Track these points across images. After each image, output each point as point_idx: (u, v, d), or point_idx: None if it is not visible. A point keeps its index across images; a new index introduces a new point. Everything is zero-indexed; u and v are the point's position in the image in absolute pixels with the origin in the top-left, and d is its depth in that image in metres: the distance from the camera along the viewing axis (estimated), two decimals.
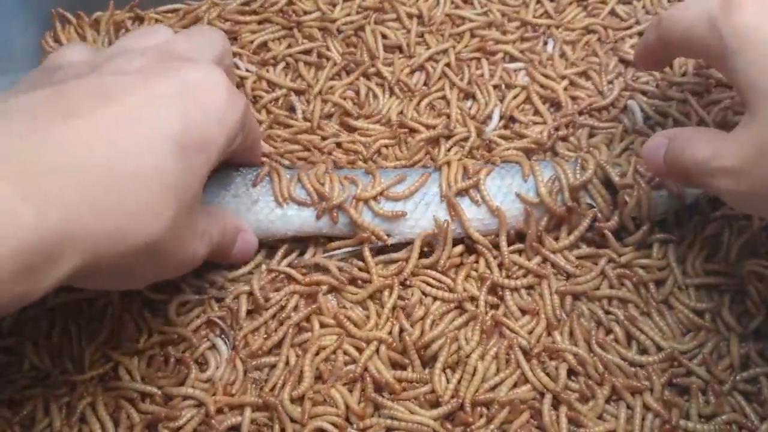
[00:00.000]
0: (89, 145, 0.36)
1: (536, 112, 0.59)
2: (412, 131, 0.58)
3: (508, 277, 0.51)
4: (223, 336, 0.50)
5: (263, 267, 0.52)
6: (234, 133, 0.44)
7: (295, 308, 0.50)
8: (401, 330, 0.49)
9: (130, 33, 0.48)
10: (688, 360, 0.48)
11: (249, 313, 0.50)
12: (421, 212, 0.52)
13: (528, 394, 0.46)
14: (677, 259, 0.51)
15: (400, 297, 0.50)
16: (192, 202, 0.41)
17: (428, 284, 0.51)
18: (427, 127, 0.58)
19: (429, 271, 0.51)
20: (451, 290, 0.50)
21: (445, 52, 0.62)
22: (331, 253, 0.52)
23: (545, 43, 0.64)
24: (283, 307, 0.50)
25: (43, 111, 0.37)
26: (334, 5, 0.65)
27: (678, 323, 0.49)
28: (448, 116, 0.58)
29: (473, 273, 0.51)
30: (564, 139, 0.57)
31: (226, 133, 0.43)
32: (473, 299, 0.50)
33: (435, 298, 0.50)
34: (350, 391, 0.46)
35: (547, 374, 0.47)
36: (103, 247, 0.36)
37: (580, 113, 0.59)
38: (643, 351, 0.48)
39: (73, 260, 0.34)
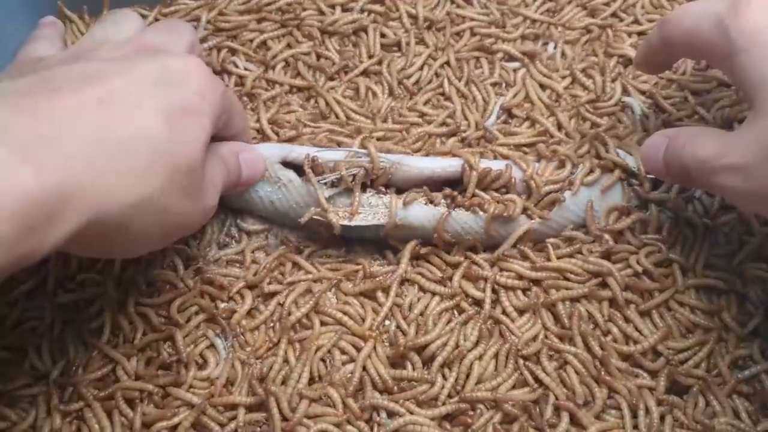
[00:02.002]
0: (78, 116, 0.38)
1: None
2: (412, 125, 0.58)
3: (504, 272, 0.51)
4: (221, 335, 0.50)
5: (262, 262, 0.52)
6: (218, 108, 0.45)
7: (296, 303, 0.50)
8: (397, 326, 0.49)
9: (102, 22, 0.50)
10: (687, 360, 0.48)
11: (249, 312, 0.50)
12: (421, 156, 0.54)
13: (527, 395, 0.46)
14: (680, 265, 0.51)
15: (397, 295, 0.51)
16: (190, 163, 0.42)
17: (426, 278, 0.51)
18: (423, 114, 0.58)
19: (427, 264, 0.52)
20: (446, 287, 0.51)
21: (443, 50, 0.62)
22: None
23: (545, 44, 0.64)
24: (281, 304, 0.50)
25: (31, 90, 0.39)
26: (334, 6, 0.65)
27: (677, 324, 0.49)
28: (451, 110, 0.59)
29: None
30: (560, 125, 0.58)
31: (210, 104, 0.44)
32: (467, 296, 0.50)
33: (434, 294, 0.50)
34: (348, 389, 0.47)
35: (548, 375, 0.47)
36: (102, 204, 0.37)
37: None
38: (643, 353, 0.48)
39: (74, 219, 0.35)
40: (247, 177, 0.51)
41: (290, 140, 0.56)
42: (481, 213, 0.51)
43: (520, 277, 0.51)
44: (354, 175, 0.51)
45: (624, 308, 0.49)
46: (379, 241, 0.53)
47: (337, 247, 0.54)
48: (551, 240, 0.52)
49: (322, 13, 0.64)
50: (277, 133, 0.57)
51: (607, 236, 0.51)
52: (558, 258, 0.51)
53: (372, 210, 0.51)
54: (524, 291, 0.51)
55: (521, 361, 0.47)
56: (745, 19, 0.42)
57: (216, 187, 0.46)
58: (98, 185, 0.36)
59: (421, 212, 0.51)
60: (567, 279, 0.50)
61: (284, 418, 0.45)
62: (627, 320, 0.49)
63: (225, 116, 0.47)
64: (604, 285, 0.50)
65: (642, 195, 0.52)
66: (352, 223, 0.51)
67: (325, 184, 0.51)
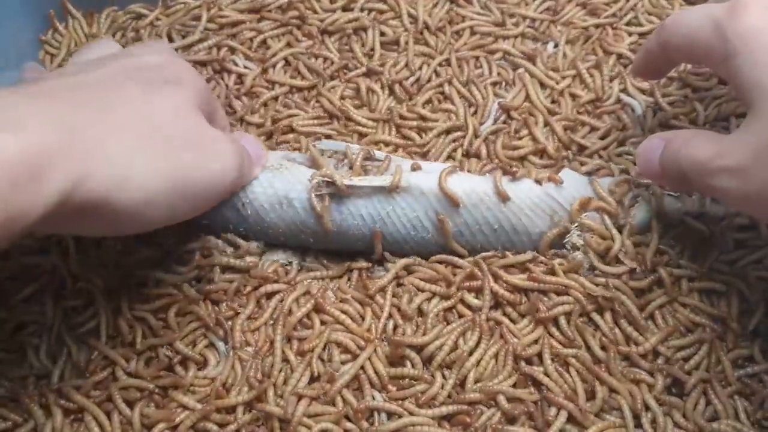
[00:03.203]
0: (55, 94, 0.40)
1: (532, 113, 0.59)
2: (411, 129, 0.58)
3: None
4: (222, 338, 0.50)
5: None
6: (200, 89, 0.47)
7: (297, 302, 0.50)
8: (395, 327, 0.49)
9: (81, 49, 0.53)
10: (687, 359, 0.48)
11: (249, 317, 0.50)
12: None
13: (528, 396, 0.46)
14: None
15: (394, 295, 0.51)
16: (176, 116, 0.44)
17: (423, 279, 0.51)
18: (424, 118, 0.58)
19: (425, 268, 0.52)
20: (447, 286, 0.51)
21: (443, 52, 0.62)
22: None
23: (545, 43, 0.64)
24: (281, 300, 0.51)
25: (9, 88, 0.41)
26: (335, 10, 0.65)
27: (677, 324, 0.49)
28: (453, 122, 0.58)
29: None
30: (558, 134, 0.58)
31: (190, 84, 0.46)
32: (463, 301, 0.50)
33: (433, 294, 0.50)
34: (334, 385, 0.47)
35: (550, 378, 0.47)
36: (89, 161, 0.38)
37: (579, 112, 0.59)
38: (644, 355, 0.48)
39: (62, 176, 0.36)
40: (257, 158, 0.52)
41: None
42: (488, 175, 0.51)
43: (520, 289, 0.50)
44: (355, 154, 0.52)
45: (638, 320, 0.48)
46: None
47: (335, 256, 0.54)
48: (557, 260, 0.51)
49: (316, 12, 0.65)
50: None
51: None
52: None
53: (377, 177, 0.51)
54: (525, 292, 0.50)
55: (522, 363, 0.47)
56: (743, 22, 0.42)
57: (228, 156, 0.47)
58: (82, 144, 0.38)
59: (428, 176, 0.51)
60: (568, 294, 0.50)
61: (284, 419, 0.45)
62: (630, 323, 0.49)
63: (209, 107, 0.48)
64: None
65: (639, 183, 0.52)
66: (358, 183, 0.50)
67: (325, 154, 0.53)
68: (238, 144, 0.49)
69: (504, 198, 0.50)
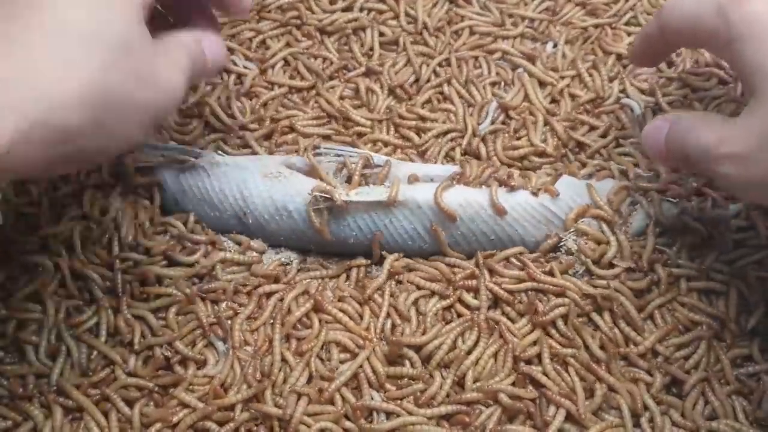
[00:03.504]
0: None
1: (531, 113, 0.59)
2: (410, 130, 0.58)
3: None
4: (221, 338, 0.50)
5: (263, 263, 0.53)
6: None
7: (296, 301, 0.51)
8: (393, 326, 0.49)
9: None
10: (686, 358, 0.48)
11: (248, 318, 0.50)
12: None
13: (527, 394, 0.46)
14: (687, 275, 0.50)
15: (391, 295, 0.50)
16: (125, 40, 0.41)
17: (421, 277, 0.51)
18: (423, 118, 0.58)
19: (424, 265, 0.52)
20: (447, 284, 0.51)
21: (442, 53, 0.62)
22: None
23: (544, 43, 0.64)
24: (281, 299, 0.51)
25: None
26: (334, 12, 0.65)
27: (676, 323, 0.49)
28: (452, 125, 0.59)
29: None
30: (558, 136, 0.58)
31: None
32: (461, 301, 0.50)
33: (432, 293, 0.50)
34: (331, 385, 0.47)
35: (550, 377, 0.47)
36: (41, 104, 0.36)
37: (578, 112, 0.59)
38: (643, 355, 0.48)
39: (6, 124, 0.35)
40: (213, 62, 0.49)
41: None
42: (483, 187, 0.51)
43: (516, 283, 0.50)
44: (355, 164, 0.52)
45: (636, 320, 0.48)
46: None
47: (333, 256, 0.54)
48: (554, 264, 0.51)
49: (315, 12, 0.65)
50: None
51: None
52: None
53: (374, 189, 0.51)
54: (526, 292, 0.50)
55: (521, 363, 0.47)
56: (747, 6, 0.42)
57: (180, 68, 0.45)
58: (26, 86, 0.36)
59: (425, 189, 0.51)
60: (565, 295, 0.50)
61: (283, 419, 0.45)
62: (628, 323, 0.49)
63: None
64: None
65: (639, 187, 0.52)
66: (355, 199, 0.50)
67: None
68: (184, 62, 0.46)
69: (500, 213, 0.51)
